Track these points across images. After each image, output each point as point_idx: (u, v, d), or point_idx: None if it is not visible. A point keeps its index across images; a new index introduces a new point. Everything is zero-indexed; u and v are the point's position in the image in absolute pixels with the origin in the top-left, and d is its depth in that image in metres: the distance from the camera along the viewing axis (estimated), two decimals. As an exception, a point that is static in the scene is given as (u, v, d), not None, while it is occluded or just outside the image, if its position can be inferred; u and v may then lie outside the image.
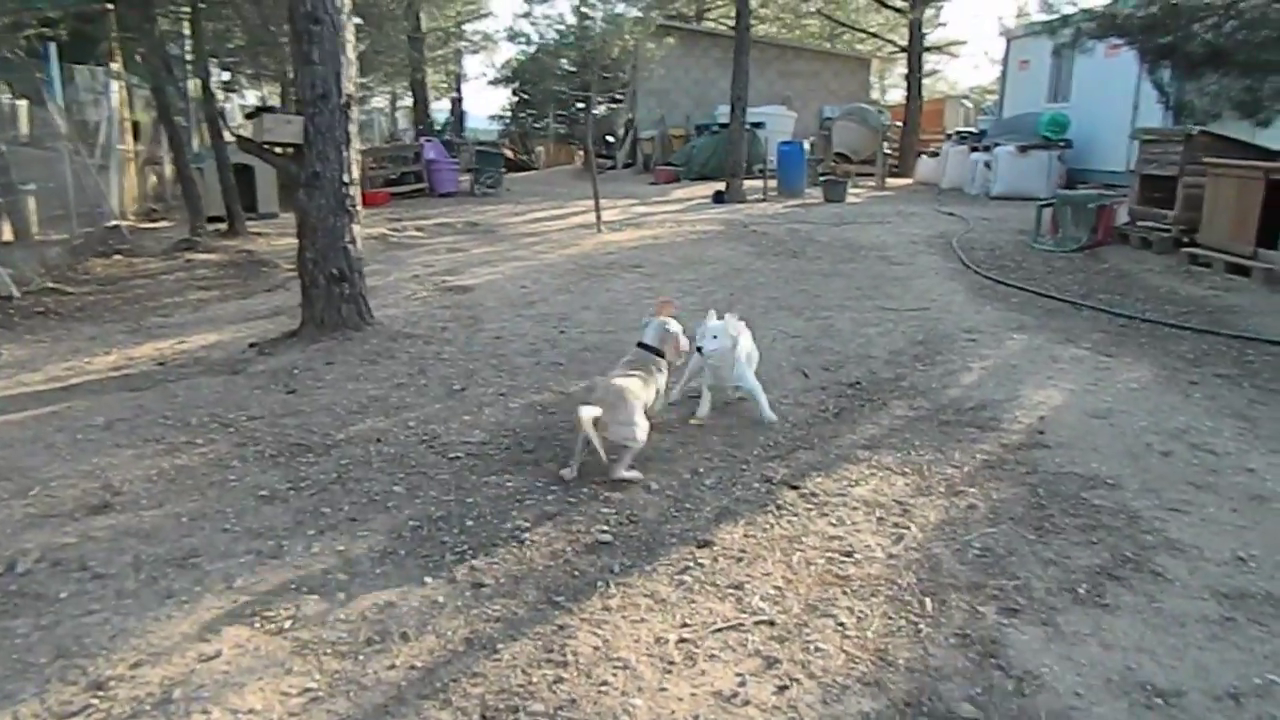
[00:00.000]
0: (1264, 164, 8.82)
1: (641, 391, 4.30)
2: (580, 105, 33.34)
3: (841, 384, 5.53)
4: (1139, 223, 10.72)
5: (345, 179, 6.44)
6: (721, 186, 16.81)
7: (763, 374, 5.64)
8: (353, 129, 6.50)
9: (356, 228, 6.59)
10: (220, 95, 17.12)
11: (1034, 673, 2.71)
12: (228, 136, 12.69)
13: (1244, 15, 10.92)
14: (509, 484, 4.14)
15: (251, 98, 23.65)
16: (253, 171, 14.05)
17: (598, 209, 13.05)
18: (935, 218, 13.62)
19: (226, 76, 18.52)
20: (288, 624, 2.99)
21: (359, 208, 6.65)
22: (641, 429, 4.13)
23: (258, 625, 2.98)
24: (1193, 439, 4.53)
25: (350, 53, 6.44)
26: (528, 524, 3.72)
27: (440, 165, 19.40)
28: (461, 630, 2.97)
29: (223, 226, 12.92)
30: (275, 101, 21.67)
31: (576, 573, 3.33)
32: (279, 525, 3.71)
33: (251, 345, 6.51)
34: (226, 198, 12.96)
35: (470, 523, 3.75)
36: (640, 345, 4.61)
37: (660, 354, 4.58)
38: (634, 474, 4.17)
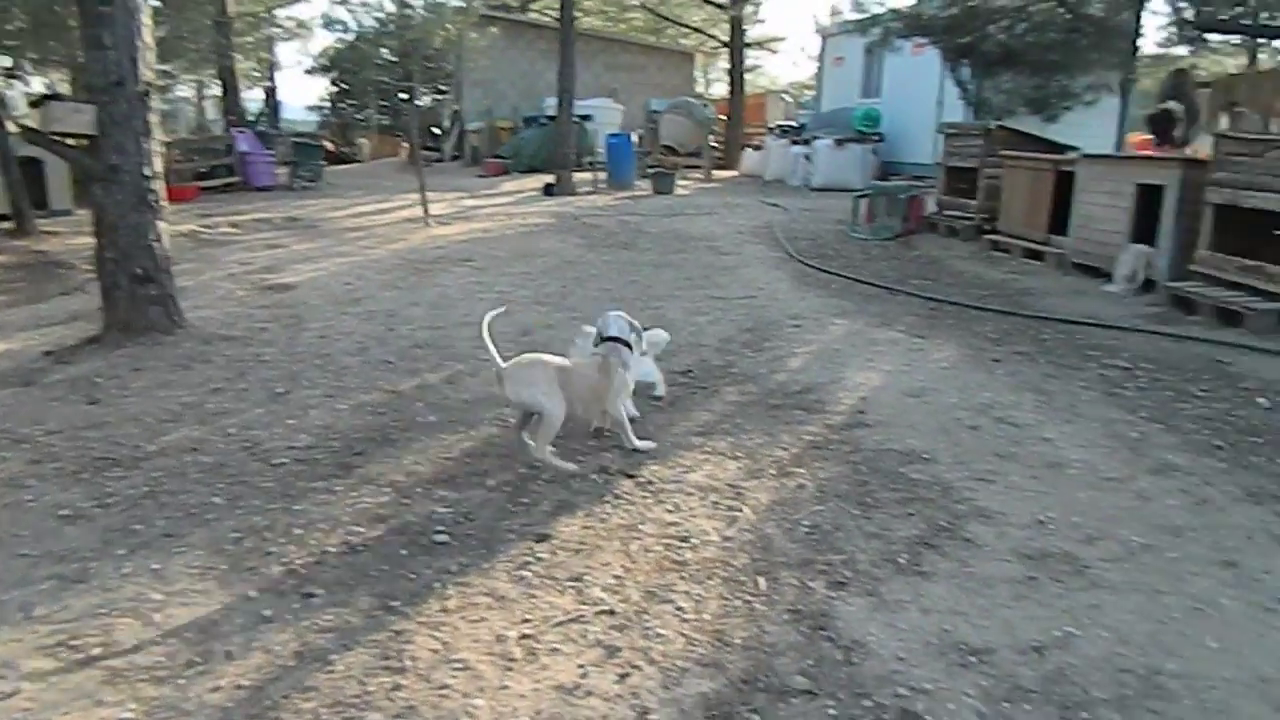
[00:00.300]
0: (1053, 156, 9.59)
1: (579, 377, 4.17)
2: (404, 96, 32.43)
3: (674, 372, 5.62)
4: (946, 212, 11.44)
5: (147, 172, 6.00)
6: (551, 179, 16.76)
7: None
8: (153, 119, 6.06)
9: (162, 224, 6.17)
10: (1, 82, 15.59)
11: (860, 641, 2.85)
12: (11, 127, 11.59)
13: (1033, 18, 11.84)
14: (338, 488, 3.99)
15: (38, 85, 21.71)
16: (42, 165, 12.87)
17: (425, 203, 12.75)
18: (760, 209, 14.06)
19: (8, 62, 16.90)
20: (96, 652, 2.77)
21: (164, 203, 6.22)
22: (549, 398, 3.98)
23: (62, 656, 2.75)
24: (997, 413, 4.87)
25: (147, 36, 6.00)
26: (360, 529, 3.60)
27: (255, 158, 18.41)
28: (291, 644, 2.84)
29: (8, 225, 11.80)
30: (65, 89, 19.98)
31: (412, 575, 3.25)
32: (84, 547, 3.43)
33: (47, 353, 5.98)
34: (12, 193, 11.82)
35: (298, 531, 3.59)
36: (608, 339, 4.35)
37: (628, 345, 4.37)
38: (647, 443, 4.39)
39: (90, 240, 6.27)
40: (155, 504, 3.81)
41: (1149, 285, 7.69)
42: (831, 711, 2.53)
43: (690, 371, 5.64)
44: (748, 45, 26.75)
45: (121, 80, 5.82)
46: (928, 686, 2.63)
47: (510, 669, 2.71)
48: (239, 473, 4.16)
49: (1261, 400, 5.08)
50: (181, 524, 3.65)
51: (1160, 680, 2.67)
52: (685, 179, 18.50)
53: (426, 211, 12.65)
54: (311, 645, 2.83)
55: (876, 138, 17.28)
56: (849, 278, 8.61)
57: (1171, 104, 11.27)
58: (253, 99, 33.83)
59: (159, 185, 6.15)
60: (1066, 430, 4.65)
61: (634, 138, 19.41)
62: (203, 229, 12.18)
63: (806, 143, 17.79)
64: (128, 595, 3.10)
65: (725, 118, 23.56)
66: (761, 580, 3.22)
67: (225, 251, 10.43)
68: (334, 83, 38.19)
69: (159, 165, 6.18)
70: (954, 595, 3.13)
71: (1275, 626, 2.95)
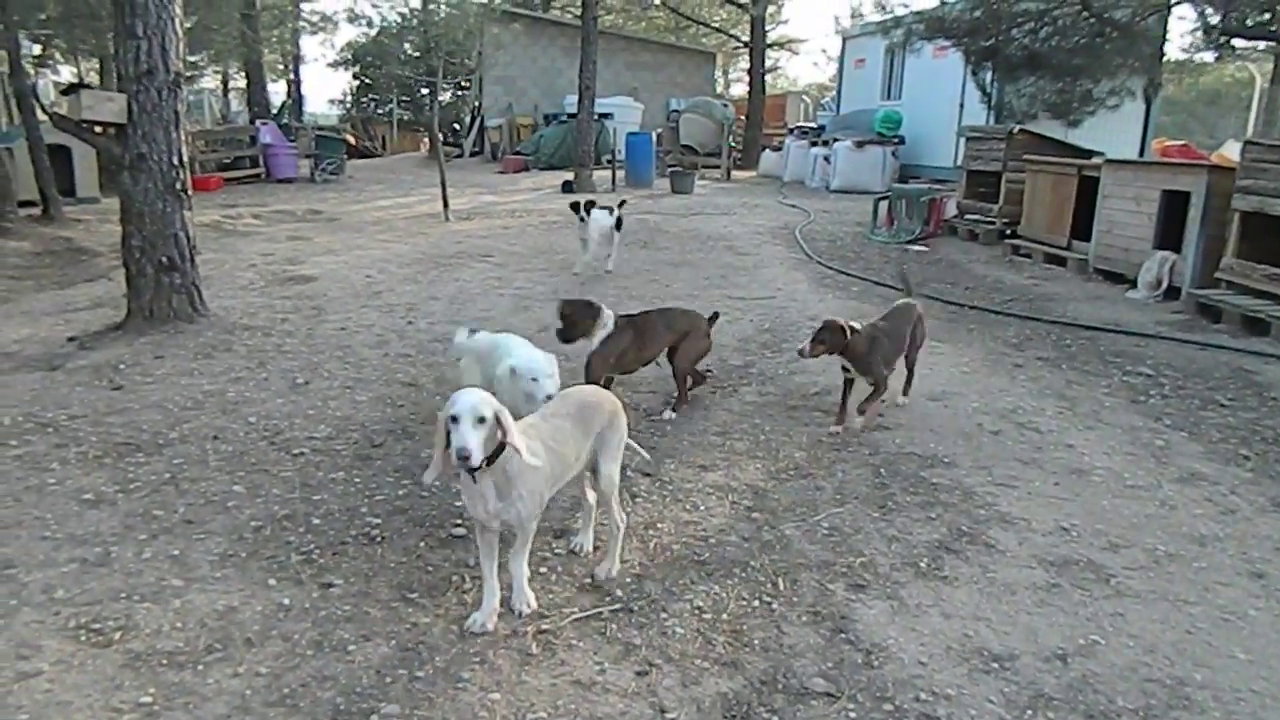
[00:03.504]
0: (1077, 161, 9.52)
1: None
2: (425, 91, 32.53)
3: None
4: (966, 216, 11.38)
5: (174, 161, 6.04)
6: (570, 176, 16.77)
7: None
8: (180, 108, 6.10)
9: (188, 213, 6.20)
10: (31, 71, 15.71)
11: (881, 645, 2.82)
12: (40, 114, 11.67)
13: (1058, 22, 11.73)
14: (357, 479, 3.99)
15: (67, 74, 21.89)
16: (70, 152, 12.99)
17: (445, 197, 12.77)
18: (778, 210, 14.02)
19: (38, 50, 17.02)
20: (117, 635, 2.78)
21: (190, 192, 6.25)
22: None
23: (83, 639, 2.76)
24: (1019, 418, 4.83)
25: (178, 26, 6.03)
26: (378, 520, 3.60)
27: (278, 150, 18.53)
28: (310, 633, 2.84)
29: (36, 211, 11.90)
30: (94, 80, 20.12)
31: (430, 568, 3.24)
32: (105, 531, 3.45)
33: (71, 339, 6.02)
34: (40, 180, 11.92)
35: (317, 521, 3.59)
36: None
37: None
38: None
39: (116, 228, 6.31)
40: (176, 490, 3.82)
41: (1173, 292, 7.62)
42: (852, 714, 2.51)
43: (709, 371, 5.61)
44: (769, 46, 26.74)
45: (152, 70, 5.86)
46: (950, 692, 2.61)
47: (527, 664, 2.70)
48: (259, 461, 4.17)
49: (1288, 410, 5.02)
50: (202, 511, 3.66)
51: (1187, 691, 2.63)
52: (704, 179, 18.46)
53: (447, 206, 12.67)
54: (330, 635, 2.83)
55: (897, 140, 17.21)
56: (869, 280, 8.56)
57: None
58: (276, 92, 34.08)
59: (186, 175, 6.19)
60: (1090, 437, 4.60)
61: (654, 136, 19.41)
62: (226, 219, 12.26)
63: (826, 144, 17.75)
64: (148, 580, 3.11)
65: (745, 118, 23.50)
66: (781, 581, 3.20)
67: (248, 242, 10.49)
68: (356, 77, 38.37)
69: (186, 154, 6.21)
70: (976, 600, 3.10)
71: (1303, 639, 2.91)
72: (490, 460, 2.66)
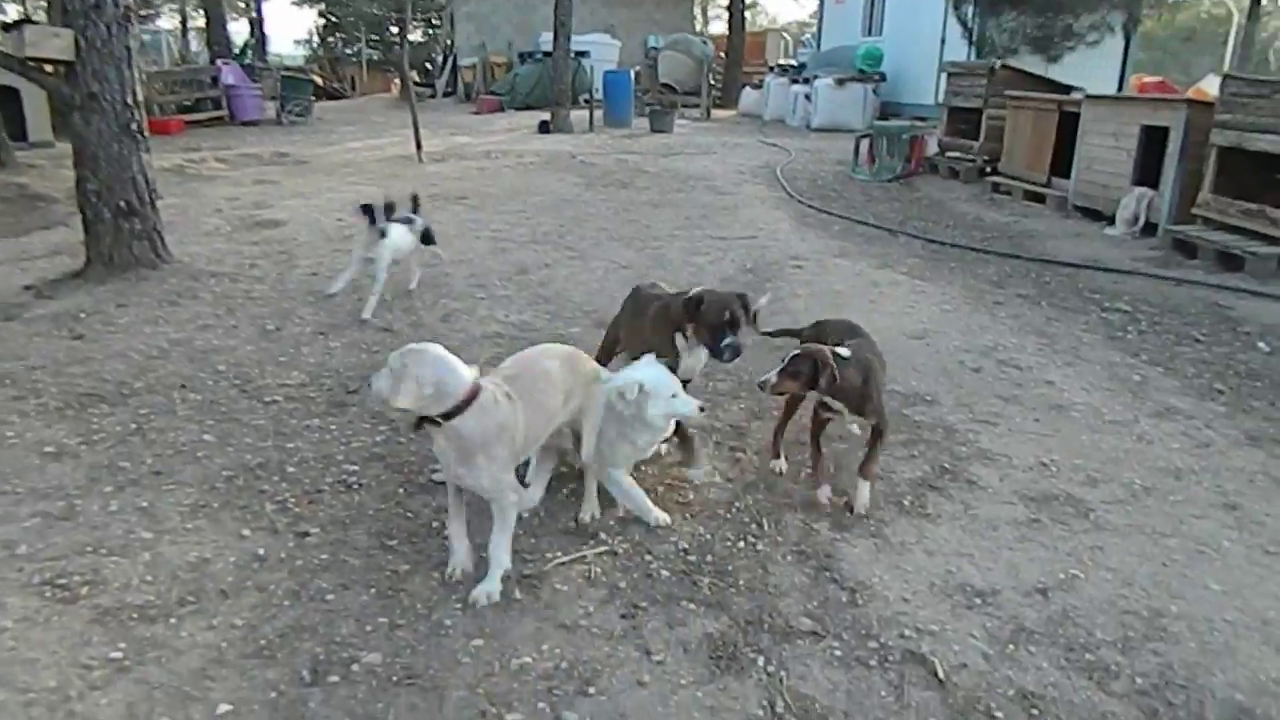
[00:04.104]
0: (1057, 97, 9.41)
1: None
2: (394, 29, 31.75)
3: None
4: (948, 153, 11.28)
5: (128, 100, 5.79)
6: (547, 116, 16.46)
7: (597, 304, 5.60)
8: (132, 44, 5.84)
9: (146, 155, 5.97)
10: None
11: (865, 583, 2.81)
12: (-17, 53, 11.23)
13: (1039, -46, 11.55)
14: (333, 427, 3.92)
15: (13, 11, 21.14)
16: (19, 95, 12.53)
17: (418, 139, 12.50)
18: (759, 148, 13.85)
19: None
20: (84, 590, 2.71)
21: (146, 134, 6.03)
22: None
23: (49, 595, 2.69)
24: (1000, 355, 4.81)
25: (128, -43, 5.76)
26: (355, 467, 3.54)
27: (241, 91, 18.00)
28: (286, 583, 2.79)
29: (-14, 157, 11.52)
30: (40, 17, 19.42)
31: (409, 514, 3.19)
32: (69, 484, 3.36)
33: (27, 288, 5.84)
34: (-12, 124, 11.52)
35: (291, 469, 3.52)
36: None
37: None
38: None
39: (72, 173, 6.09)
40: (143, 441, 3.73)
41: (1151, 229, 7.60)
42: (837, 652, 2.50)
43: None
44: (747, -19, 26.17)
45: (100, 3, 5.60)
46: (933, 628, 2.60)
47: (511, 609, 2.66)
48: (230, 410, 4.08)
49: (1262, 345, 5.03)
50: (171, 462, 3.57)
51: (1163, 623, 2.65)
52: (683, 117, 18.20)
53: (420, 148, 12.41)
54: (308, 585, 2.78)
55: (878, 77, 16.98)
56: (851, 219, 8.48)
57: None
58: (238, 32, 33.06)
59: (141, 114, 5.95)
60: (1069, 373, 4.60)
61: (632, 75, 19.06)
62: (189, 164, 11.92)
63: (807, 82, 17.49)
64: (115, 533, 3.03)
65: (724, 56, 23.13)
66: (765, 521, 3.17)
67: (212, 187, 10.22)
68: (322, 15, 37.33)
69: (141, 93, 5.98)
70: (958, 537, 3.09)
71: (1277, 570, 2.93)
72: (449, 417, 2.57)
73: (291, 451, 3.67)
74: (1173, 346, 5.04)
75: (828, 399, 3.23)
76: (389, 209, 5.43)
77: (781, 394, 3.31)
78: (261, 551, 2.95)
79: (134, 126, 5.85)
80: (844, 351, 3.20)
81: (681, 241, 7.44)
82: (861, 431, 3.68)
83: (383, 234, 5.32)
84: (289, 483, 3.42)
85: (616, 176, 10.90)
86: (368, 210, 5.32)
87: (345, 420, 3.98)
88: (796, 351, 3.20)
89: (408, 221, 5.66)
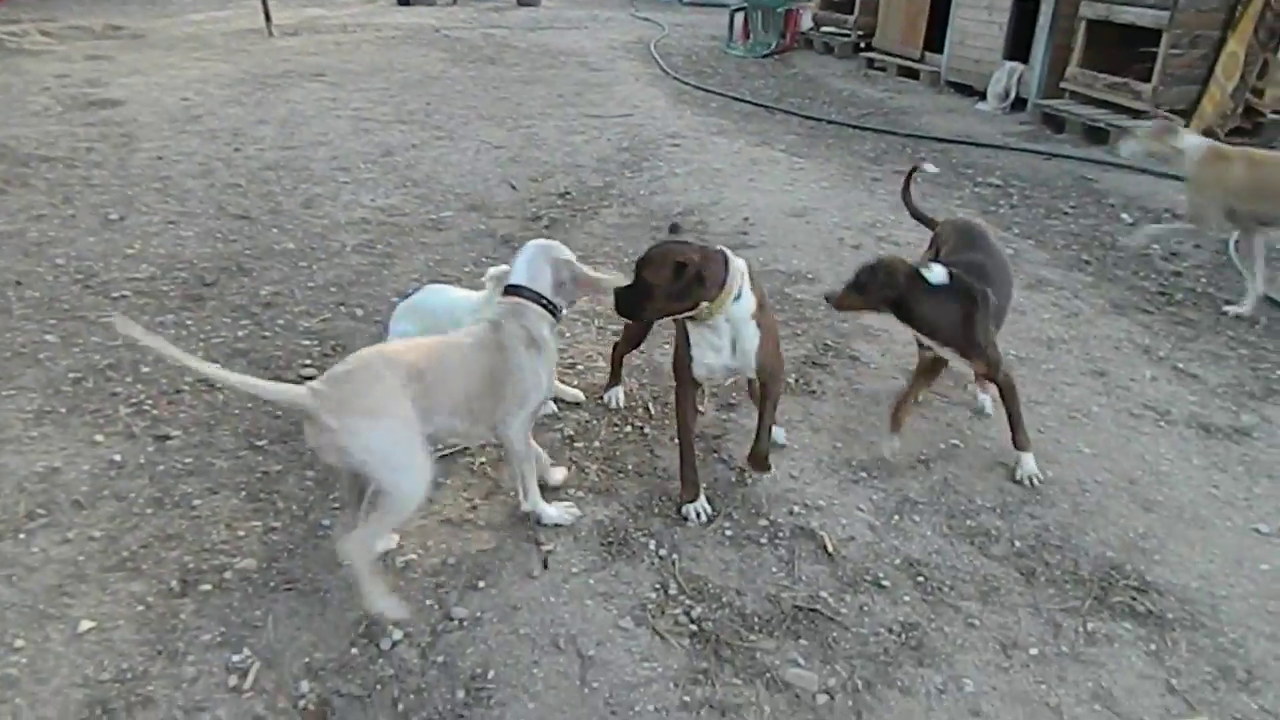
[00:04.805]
0: (931, -32, 9.30)
1: (450, 371, 2.22)
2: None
3: (551, 194, 5.33)
4: (822, 28, 11.12)
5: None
6: (407, -12, 15.43)
7: (469, 187, 5.35)
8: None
9: (-52, 24, 5.30)
10: None
11: (754, 463, 2.80)
12: None
13: None
14: (189, 322, 3.65)
15: None
16: None
17: (266, 11, 11.55)
18: (631, 23, 13.40)
19: None
20: (-89, 511, 2.45)
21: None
22: (408, 469, 2.07)
23: None
24: (879, 232, 4.83)
25: None
26: (217, 363, 3.29)
27: (63, -44, 16.19)
28: (148, 490, 2.60)
29: None
30: None
31: (279, 413, 3.00)
32: (-114, 394, 3.02)
33: None
34: None
35: (146, 369, 3.27)
36: (510, 289, 2.41)
37: (550, 307, 2.42)
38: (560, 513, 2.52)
39: None
40: (-28, 345, 3.39)
41: (1021, 104, 7.72)
42: (729, 532, 2.49)
43: (568, 193, 5.36)
44: None
45: None
46: (821, 503, 2.62)
47: (390, 506, 2.55)
48: (73, 308, 3.74)
49: (1125, 216, 5.20)
50: (9, 365, 3.26)
51: (1039, 487, 2.73)
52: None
53: (269, 20, 11.48)
54: (171, 491, 2.60)
55: (752, -52, 16.52)
56: (728, 95, 8.31)
57: None
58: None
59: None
60: (946, 248, 4.65)
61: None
62: (8, 37, 10.70)
63: (679, -48, 16.87)
64: (-54, 446, 2.75)
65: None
66: (651, 406, 3.12)
67: (38, 63, 9.22)
68: None
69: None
70: (843, 413, 3.11)
71: (1142, 431, 3.06)
72: None
73: (145, 350, 3.39)
74: (1043, 219, 5.16)
75: (915, 332, 2.72)
76: None
77: (847, 309, 2.74)
78: (118, 458, 2.74)
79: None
80: (933, 274, 2.55)
81: (555, 120, 7.15)
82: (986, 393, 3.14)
83: None
84: (144, 383, 3.17)
85: (484, 52, 10.38)
86: None
87: (203, 315, 3.71)
88: (871, 262, 2.65)
89: None
